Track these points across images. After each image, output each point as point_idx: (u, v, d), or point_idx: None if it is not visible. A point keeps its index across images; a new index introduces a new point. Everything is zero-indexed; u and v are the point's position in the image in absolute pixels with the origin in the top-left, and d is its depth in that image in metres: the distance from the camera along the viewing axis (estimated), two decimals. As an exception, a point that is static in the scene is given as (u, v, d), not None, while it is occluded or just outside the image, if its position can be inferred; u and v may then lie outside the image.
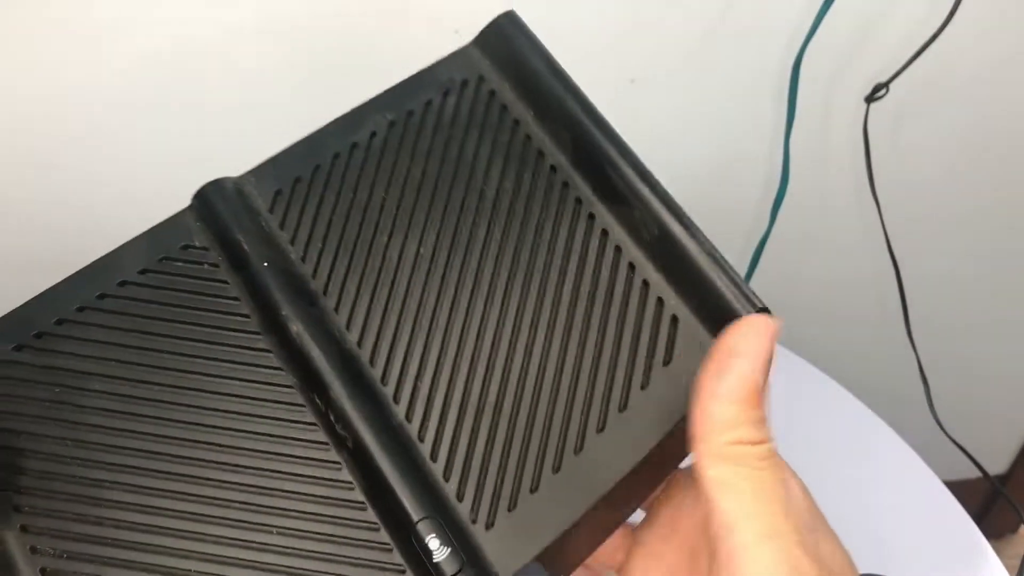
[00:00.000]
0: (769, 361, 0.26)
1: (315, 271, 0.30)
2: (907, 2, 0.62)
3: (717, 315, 0.29)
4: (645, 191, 0.30)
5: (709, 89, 0.65)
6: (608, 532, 0.31)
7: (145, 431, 0.28)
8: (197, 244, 0.30)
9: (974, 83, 0.69)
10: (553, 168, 0.31)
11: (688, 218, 0.30)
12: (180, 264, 0.30)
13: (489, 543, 0.26)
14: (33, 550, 0.26)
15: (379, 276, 0.30)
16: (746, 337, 0.26)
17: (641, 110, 0.64)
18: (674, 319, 0.29)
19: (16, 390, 0.28)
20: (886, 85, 0.64)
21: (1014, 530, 1.07)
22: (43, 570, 0.26)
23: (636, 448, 0.28)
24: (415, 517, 0.26)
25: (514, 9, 0.33)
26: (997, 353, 0.91)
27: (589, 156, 0.31)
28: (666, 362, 0.29)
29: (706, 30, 0.61)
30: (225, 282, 0.30)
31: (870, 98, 0.65)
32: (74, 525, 0.26)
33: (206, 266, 0.30)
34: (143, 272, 0.30)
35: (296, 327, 0.29)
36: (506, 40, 0.33)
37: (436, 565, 0.26)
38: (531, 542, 0.26)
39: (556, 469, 0.27)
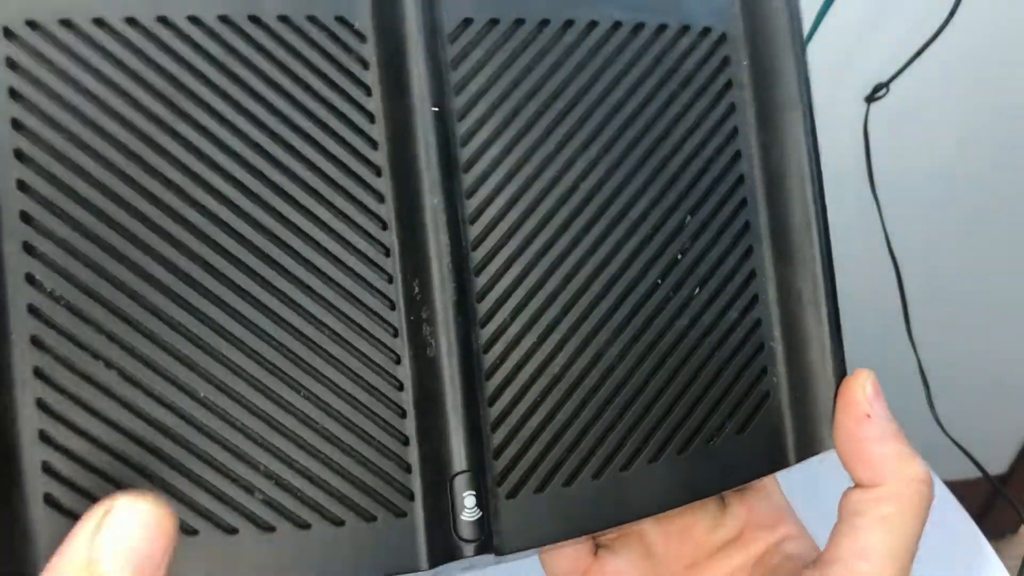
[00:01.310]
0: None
1: (467, 139, 0.25)
2: (907, 2, 0.62)
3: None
4: (816, 256, 0.30)
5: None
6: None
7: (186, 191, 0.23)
8: (356, 26, 0.25)
9: (974, 83, 0.69)
10: (742, 179, 0.29)
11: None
12: (325, 36, 0.24)
13: (503, 512, 0.25)
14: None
15: (525, 181, 0.26)
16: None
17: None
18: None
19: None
20: (886, 85, 0.64)
21: (1014, 530, 1.07)
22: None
23: (685, 493, 0.27)
24: (458, 467, 0.24)
25: None
26: (997, 353, 0.91)
27: (780, 206, 0.29)
28: (738, 430, 0.28)
29: (706, 30, 0.61)
30: (368, 92, 0.25)
31: (870, 98, 0.65)
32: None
33: (350, 59, 0.25)
34: (282, 19, 0.24)
35: (429, 197, 0.24)
36: (768, 21, 0.29)
37: (460, 522, 0.24)
38: (541, 532, 0.25)
39: (596, 476, 0.26)
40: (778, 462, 0.28)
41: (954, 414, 0.78)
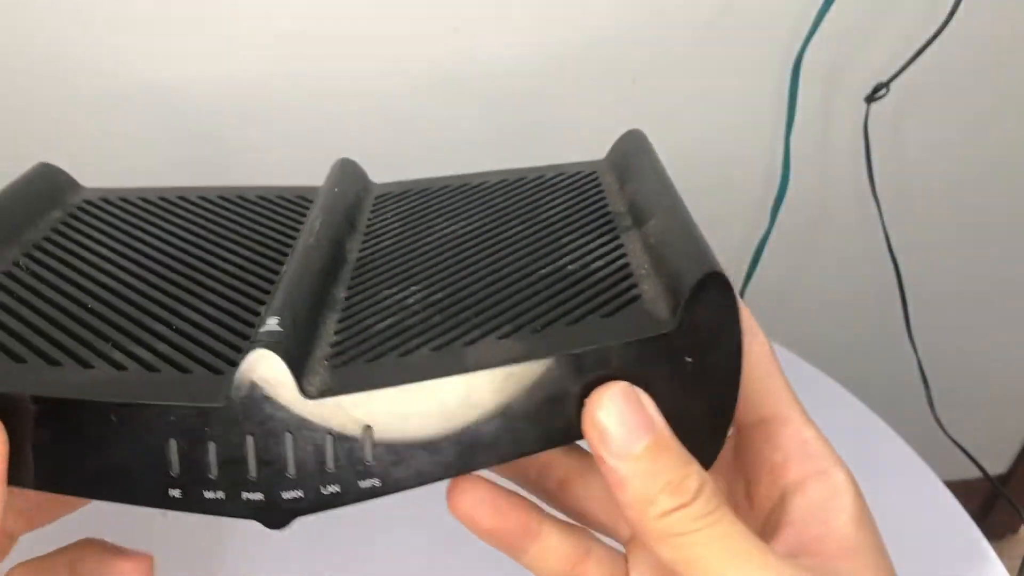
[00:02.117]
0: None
1: (362, 255, 0.32)
2: (907, 2, 0.62)
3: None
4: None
5: (709, 89, 0.65)
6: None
7: None
8: (310, 200, 0.35)
9: (974, 83, 0.69)
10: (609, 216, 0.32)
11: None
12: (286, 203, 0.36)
13: (326, 372, 0.25)
14: None
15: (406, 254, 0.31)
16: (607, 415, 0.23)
17: (641, 109, 0.64)
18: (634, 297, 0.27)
19: None
20: (886, 85, 0.64)
21: (1014, 530, 1.07)
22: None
23: (536, 351, 0.25)
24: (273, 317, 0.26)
25: (640, 129, 0.36)
26: (997, 353, 0.91)
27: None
28: (606, 315, 0.26)
29: (706, 30, 0.61)
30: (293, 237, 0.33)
31: (870, 98, 0.65)
32: None
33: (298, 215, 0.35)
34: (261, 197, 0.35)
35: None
36: (624, 151, 0.35)
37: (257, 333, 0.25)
38: (360, 383, 0.24)
39: (437, 349, 0.25)
40: (652, 327, 0.25)
41: (954, 414, 0.78)
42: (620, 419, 0.23)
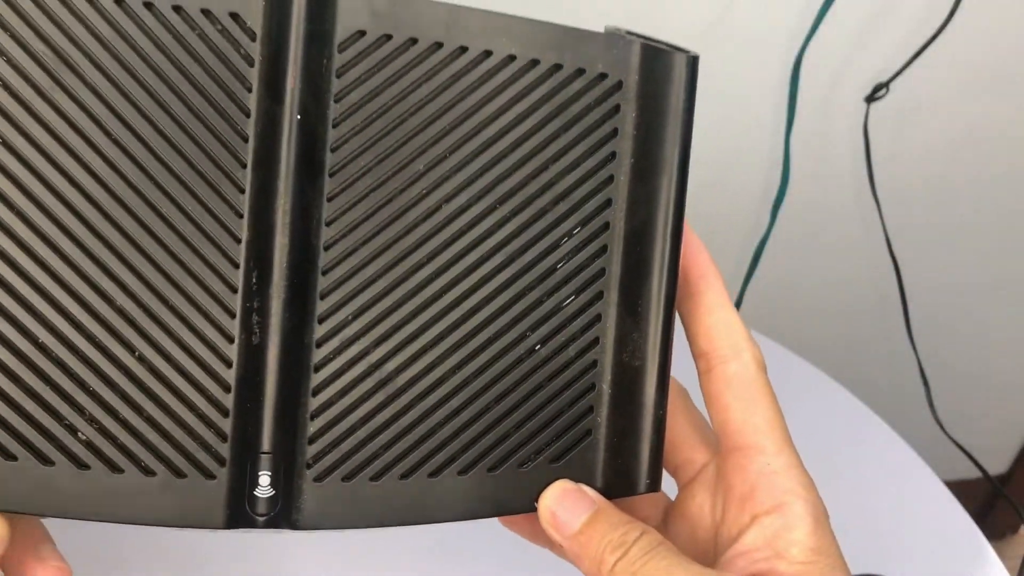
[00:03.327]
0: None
1: (337, 145, 0.26)
2: (907, 2, 0.62)
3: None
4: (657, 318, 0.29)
5: (709, 89, 0.65)
6: None
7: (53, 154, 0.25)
8: (248, 24, 0.25)
9: (974, 83, 0.69)
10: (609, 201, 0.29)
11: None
12: (211, 29, 0.25)
13: (307, 493, 0.27)
14: None
15: (388, 194, 0.27)
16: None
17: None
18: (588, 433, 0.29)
19: None
20: (886, 85, 0.64)
21: (1014, 530, 1.07)
22: None
23: (485, 507, 0.28)
24: (265, 447, 0.26)
25: (698, 56, 0.30)
26: (997, 353, 0.91)
27: (636, 261, 0.30)
28: (554, 459, 0.29)
29: (706, 30, 0.61)
30: (248, 88, 0.26)
31: (870, 98, 0.65)
32: None
33: (237, 55, 0.25)
34: (176, 8, 0.25)
35: (282, 198, 0.26)
36: (664, 81, 0.30)
37: (254, 497, 0.26)
38: (339, 517, 0.27)
39: (404, 477, 0.28)
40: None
41: (954, 414, 0.78)
42: (563, 505, 0.28)
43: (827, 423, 0.53)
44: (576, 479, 0.29)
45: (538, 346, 0.29)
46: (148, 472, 0.25)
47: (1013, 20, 0.66)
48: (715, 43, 0.62)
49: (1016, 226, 0.80)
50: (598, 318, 0.29)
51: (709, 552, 0.30)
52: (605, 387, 0.29)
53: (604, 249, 0.29)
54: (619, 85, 0.29)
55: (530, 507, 0.28)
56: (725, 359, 0.29)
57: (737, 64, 0.63)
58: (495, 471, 0.28)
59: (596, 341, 0.29)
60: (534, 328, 0.28)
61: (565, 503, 0.28)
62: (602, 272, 0.29)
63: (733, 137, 0.68)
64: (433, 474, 0.28)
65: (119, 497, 0.25)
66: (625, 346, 0.29)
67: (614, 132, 0.29)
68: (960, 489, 0.52)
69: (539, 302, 0.29)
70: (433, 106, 0.27)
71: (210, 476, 0.26)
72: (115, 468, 0.25)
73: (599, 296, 0.29)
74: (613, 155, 0.29)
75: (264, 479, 0.26)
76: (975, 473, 0.80)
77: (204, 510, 0.26)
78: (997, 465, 1.02)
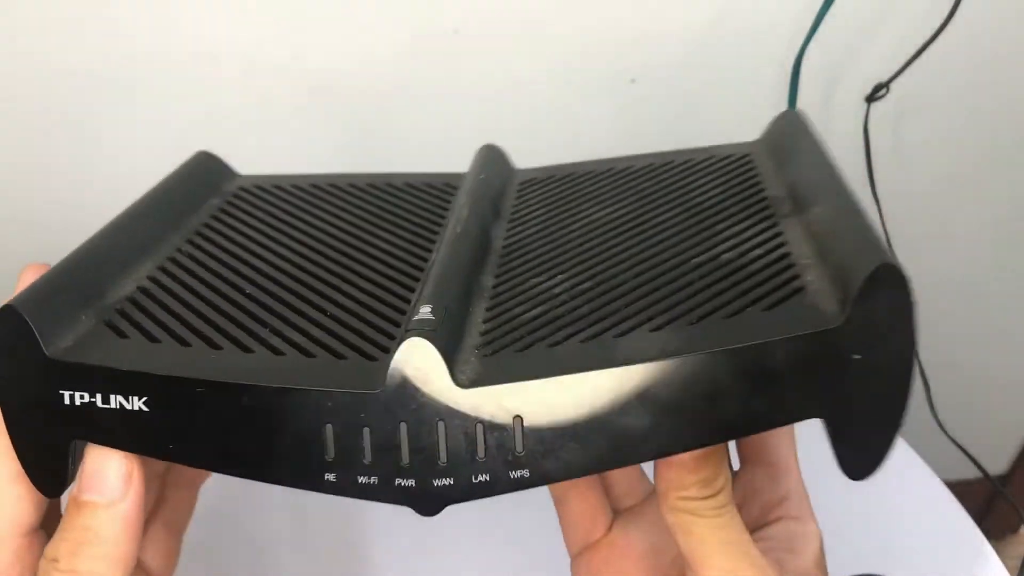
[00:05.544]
0: None
1: (507, 242, 0.32)
2: (907, 2, 0.62)
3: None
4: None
5: (709, 89, 0.65)
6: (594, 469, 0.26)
7: None
8: (456, 187, 0.36)
9: (974, 83, 0.69)
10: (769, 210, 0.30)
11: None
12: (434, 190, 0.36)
13: (482, 366, 0.25)
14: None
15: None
16: None
17: (641, 110, 0.64)
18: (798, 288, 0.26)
19: None
20: (886, 85, 0.64)
21: (1014, 530, 1.07)
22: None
23: (693, 345, 0.24)
24: (426, 325, 0.25)
25: (799, 111, 0.33)
26: (997, 354, 0.91)
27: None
28: (767, 307, 0.25)
29: (706, 30, 0.61)
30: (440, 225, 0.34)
31: (870, 98, 0.65)
32: None
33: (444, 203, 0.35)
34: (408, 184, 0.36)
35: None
36: (782, 132, 0.33)
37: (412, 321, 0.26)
38: (511, 374, 0.24)
39: (587, 341, 0.25)
40: (818, 322, 0.24)
41: (954, 414, 0.78)
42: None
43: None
44: (796, 317, 0.24)
45: (725, 253, 0.28)
46: (339, 356, 0.26)
47: (1013, 20, 0.66)
48: (715, 43, 0.62)
49: (1016, 226, 0.80)
50: (777, 232, 0.29)
51: None
52: (806, 267, 0.26)
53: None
54: (746, 155, 0.35)
55: (744, 340, 0.23)
56: None
57: (737, 64, 0.63)
58: (697, 324, 0.25)
59: (779, 235, 0.28)
60: (715, 247, 0.29)
61: None
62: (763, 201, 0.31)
63: (733, 137, 0.68)
64: (622, 334, 0.25)
65: (311, 372, 0.25)
66: (810, 225, 0.28)
67: (751, 167, 0.34)
68: (960, 489, 0.52)
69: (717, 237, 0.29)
70: (592, 195, 0.34)
71: (385, 350, 0.26)
72: (307, 354, 0.26)
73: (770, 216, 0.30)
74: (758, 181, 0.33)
75: (425, 309, 0.26)
76: (975, 473, 0.80)
77: (363, 377, 0.25)
78: (997, 465, 1.02)
